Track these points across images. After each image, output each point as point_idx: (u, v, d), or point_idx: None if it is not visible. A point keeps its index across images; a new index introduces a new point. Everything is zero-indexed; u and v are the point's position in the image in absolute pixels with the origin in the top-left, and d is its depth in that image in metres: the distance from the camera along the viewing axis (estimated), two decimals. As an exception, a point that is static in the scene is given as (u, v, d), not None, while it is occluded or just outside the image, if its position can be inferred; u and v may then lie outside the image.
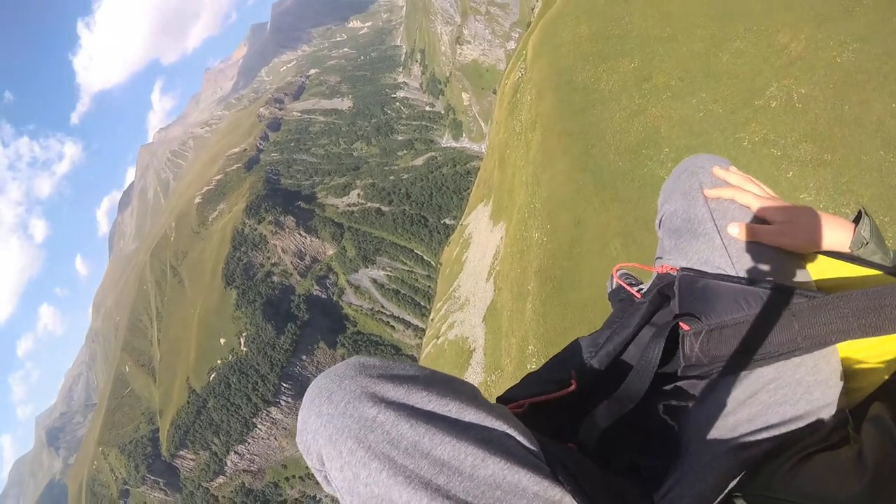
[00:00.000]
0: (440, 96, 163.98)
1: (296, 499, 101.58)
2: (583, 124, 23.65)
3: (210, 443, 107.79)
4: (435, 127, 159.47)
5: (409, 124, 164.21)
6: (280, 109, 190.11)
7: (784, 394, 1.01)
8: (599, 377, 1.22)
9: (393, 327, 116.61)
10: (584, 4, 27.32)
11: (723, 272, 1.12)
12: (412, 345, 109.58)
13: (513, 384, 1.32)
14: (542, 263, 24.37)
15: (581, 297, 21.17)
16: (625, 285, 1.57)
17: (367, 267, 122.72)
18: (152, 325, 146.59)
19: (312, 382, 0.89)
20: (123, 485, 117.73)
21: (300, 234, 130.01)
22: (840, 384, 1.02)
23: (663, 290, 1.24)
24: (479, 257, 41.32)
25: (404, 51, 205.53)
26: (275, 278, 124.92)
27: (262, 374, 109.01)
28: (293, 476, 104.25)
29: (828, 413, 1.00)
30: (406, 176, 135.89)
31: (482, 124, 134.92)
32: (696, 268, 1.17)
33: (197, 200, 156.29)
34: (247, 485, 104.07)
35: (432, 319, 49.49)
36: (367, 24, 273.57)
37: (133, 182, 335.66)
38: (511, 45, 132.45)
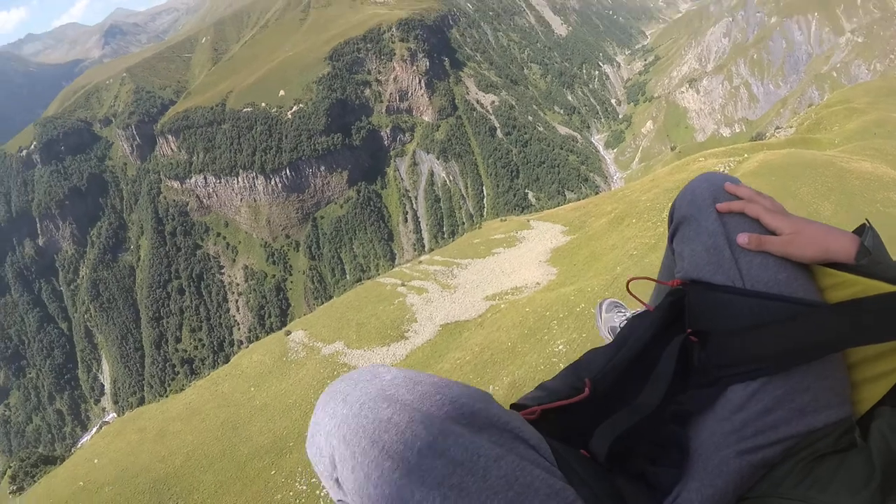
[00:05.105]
0: (630, 104, 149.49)
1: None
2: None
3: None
4: (601, 121, 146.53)
5: (586, 97, 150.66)
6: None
7: (791, 400, 1.02)
8: (612, 385, 1.25)
9: (406, 223, 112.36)
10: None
11: (731, 284, 1.15)
12: (407, 249, 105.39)
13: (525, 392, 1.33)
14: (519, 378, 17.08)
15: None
16: (637, 298, 1.57)
17: (439, 158, 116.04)
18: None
19: (327, 387, 0.90)
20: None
21: (421, 80, 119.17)
22: (847, 390, 1.05)
23: (675, 302, 1.26)
24: (502, 270, 33.75)
25: (646, 41, 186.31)
26: (366, 92, 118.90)
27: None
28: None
29: (835, 418, 1.01)
30: (541, 129, 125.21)
31: (636, 160, 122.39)
32: (706, 280, 1.19)
33: None
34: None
35: (421, 261, 43.44)
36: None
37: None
38: (725, 131, 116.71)
